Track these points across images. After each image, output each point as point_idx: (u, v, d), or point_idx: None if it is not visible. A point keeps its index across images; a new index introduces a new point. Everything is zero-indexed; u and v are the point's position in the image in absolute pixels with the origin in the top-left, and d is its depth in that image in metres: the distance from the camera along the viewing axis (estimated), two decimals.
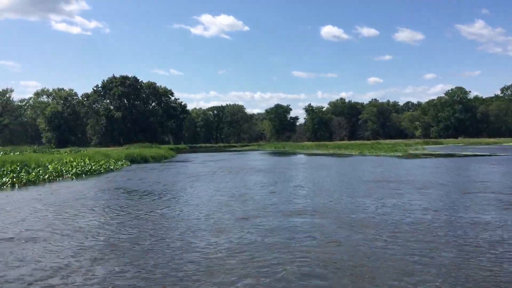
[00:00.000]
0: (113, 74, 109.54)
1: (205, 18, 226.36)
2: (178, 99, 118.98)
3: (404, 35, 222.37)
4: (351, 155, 42.31)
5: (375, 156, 40.67)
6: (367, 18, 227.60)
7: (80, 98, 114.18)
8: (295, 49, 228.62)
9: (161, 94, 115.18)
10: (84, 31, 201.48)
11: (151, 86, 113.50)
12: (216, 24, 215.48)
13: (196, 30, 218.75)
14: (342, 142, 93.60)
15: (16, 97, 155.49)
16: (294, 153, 52.75)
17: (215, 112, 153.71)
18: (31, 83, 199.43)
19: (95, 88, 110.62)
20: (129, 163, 36.14)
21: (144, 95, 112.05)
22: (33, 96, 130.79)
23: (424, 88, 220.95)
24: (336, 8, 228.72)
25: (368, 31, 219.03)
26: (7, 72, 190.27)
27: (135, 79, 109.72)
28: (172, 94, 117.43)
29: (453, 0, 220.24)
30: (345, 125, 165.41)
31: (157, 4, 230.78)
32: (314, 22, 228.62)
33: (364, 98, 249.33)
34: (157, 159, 42.77)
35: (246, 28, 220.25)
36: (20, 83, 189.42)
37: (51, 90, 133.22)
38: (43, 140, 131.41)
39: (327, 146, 62.50)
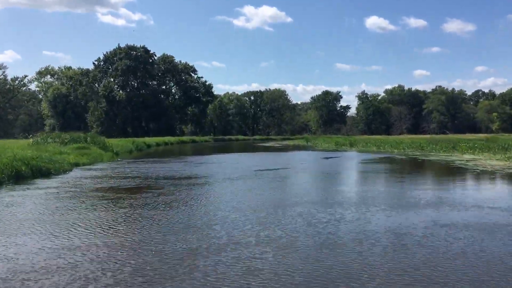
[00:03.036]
0: (118, 44, 78.18)
1: (248, 9, 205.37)
2: (202, 77, 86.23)
3: (454, 26, 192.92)
4: None
5: None
6: (415, 9, 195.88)
7: (79, 76, 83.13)
8: (338, 41, 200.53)
9: (180, 71, 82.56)
10: (129, 23, 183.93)
11: (167, 60, 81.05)
12: (259, 15, 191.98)
13: (239, 22, 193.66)
14: (438, 136, 58.07)
15: None
16: (400, 164, 18.69)
17: (252, 98, 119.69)
18: None
19: (96, 62, 79.70)
20: None
21: (157, 72, 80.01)
22: (35, 75, 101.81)
23: (474, 82, 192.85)
24: None
25: (415, 22, 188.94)
26: (57, 63, 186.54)
27: (144, 50, 77.62)
28: (194, 71, 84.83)
29: None
30: (407, 116, 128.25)
31: None
32: (359, 13, 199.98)
33: None
34: None
35: (289, 19, 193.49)
36: None
37: (56, 68, 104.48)
38: (46, 128, 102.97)
39: (440, 140, 27.95)
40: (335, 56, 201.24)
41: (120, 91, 75.95)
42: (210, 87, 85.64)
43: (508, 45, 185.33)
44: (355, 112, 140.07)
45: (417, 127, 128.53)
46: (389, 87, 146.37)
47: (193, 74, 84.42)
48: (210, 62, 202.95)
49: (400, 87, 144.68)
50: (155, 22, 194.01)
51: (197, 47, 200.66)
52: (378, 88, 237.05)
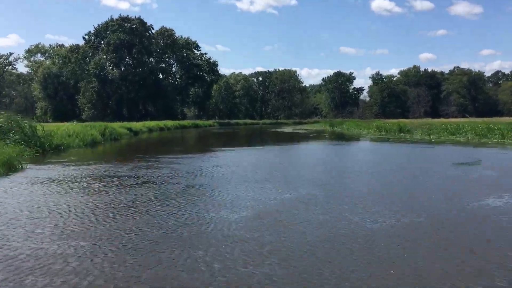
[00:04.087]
0: (111, 16, 67.18)
1: None
2: (206, 53, 75.25)
3: (460, 8, 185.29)
4: None
5: None
6: None
7: (68, 52, 72.12)
8: (343, 24, 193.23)
9: (182, 47, 71.57)
10: (133, 6, 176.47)
11: (166, 34, 70.02)
12: None
13: (242, 5, 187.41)
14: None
15: None
16: None
17: (260, 79, 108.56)
18: None
19: (86, 37, 68.83)
20: None
21: (156, 47, 69.15)
22: (24, 54, 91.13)
23: (481, 65, 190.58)
24: None
25: (422, 4, 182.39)
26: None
27: (140, 22, 66.60)
28: (197, 47, 73.81)
29: None
30: (426, 99, 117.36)
31: None
32: None
33: None
34: None
35: (293, 2, 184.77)
36: None
37: (47, 46, 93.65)
38: (38, 111, 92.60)
39: None
40: (340, 39, 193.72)
41: (113, 69, 65.26)
42: (215, 64, 74.48)
43: None
44: (367, 95, 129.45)
45: (435, 110, 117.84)
46: (395, 70, 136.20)
47: (196, 51, 73.46)
48: (214, 45, 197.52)
49: (416, 68, 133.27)
50: (158, 5, 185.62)
51: (201, 30, 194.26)
52: (384, 72, 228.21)
